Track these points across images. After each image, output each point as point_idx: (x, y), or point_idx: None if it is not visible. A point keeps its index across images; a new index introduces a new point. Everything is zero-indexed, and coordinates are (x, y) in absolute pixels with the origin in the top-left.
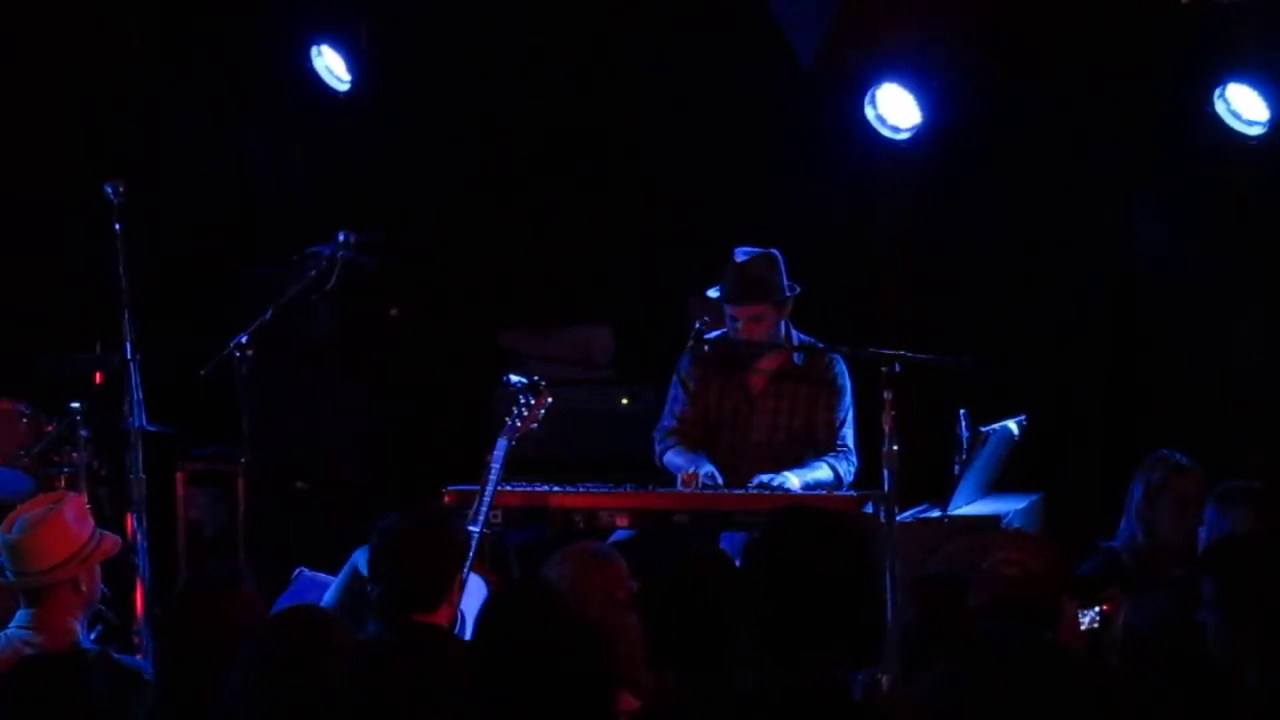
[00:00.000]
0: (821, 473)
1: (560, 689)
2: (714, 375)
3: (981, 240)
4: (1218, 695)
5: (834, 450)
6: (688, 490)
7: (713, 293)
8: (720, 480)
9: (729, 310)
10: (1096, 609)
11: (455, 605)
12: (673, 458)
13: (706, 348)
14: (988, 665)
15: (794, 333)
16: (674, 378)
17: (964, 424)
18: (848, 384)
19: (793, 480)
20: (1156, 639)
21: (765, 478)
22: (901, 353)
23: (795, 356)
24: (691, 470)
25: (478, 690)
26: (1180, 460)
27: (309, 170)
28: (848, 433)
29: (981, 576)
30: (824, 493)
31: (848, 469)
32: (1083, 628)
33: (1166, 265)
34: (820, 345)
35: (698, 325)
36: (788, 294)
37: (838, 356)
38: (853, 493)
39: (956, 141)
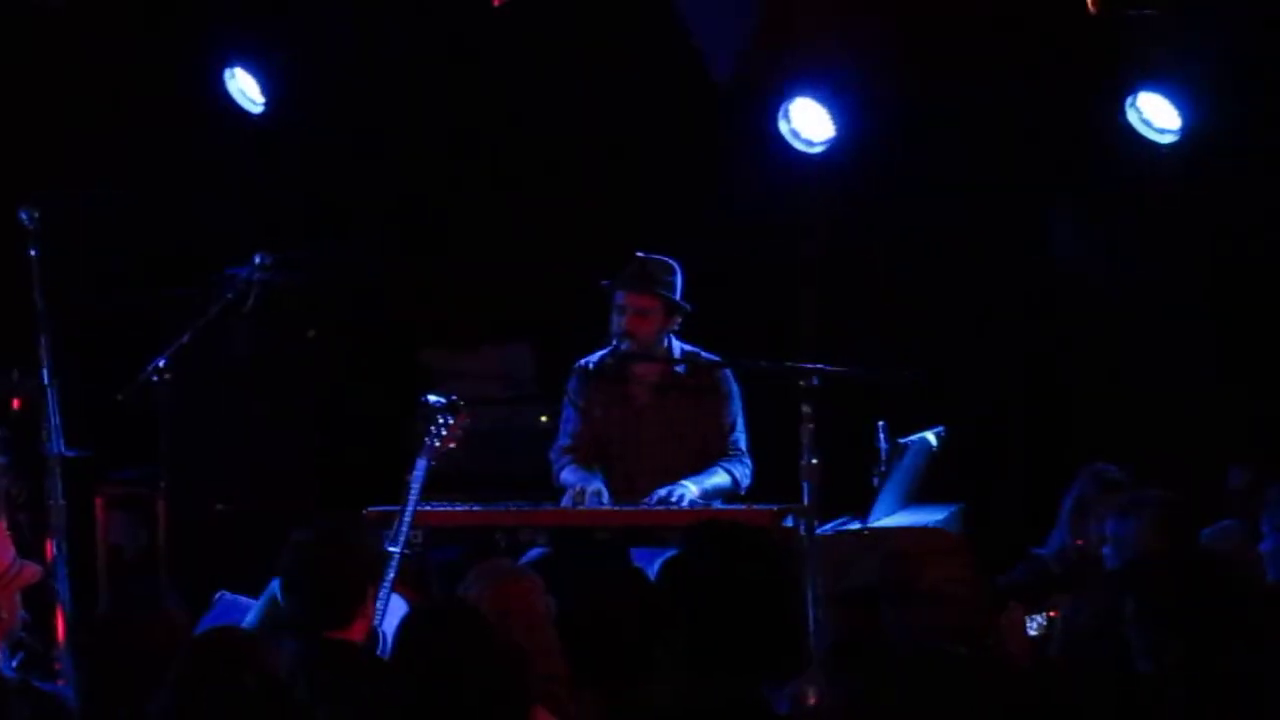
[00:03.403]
0: (718, 478)
1: (478, 706)
2: (599, 393)
3: (897, 253)
4: (1146, 699)
5: (727, 455)
6: (577, 508)
7: (607, 283)
8: (606, 497)
9: (619, 299)
10: (1043, 615)
11: (370, 621)
12: (567, 476)
13: (590, 366)
14: (918, 680)
15: (677, 344)
16: (564, 400)
17: (882, 436)
18: (734, 389)
19: (690, 489)
20: (1096, 636)
21: (663, 491)
22: (819, 366)
23: (678, 367)
24: (580, 488)
25: (394, 708)
26: (1112, 474)
27: (225, 192)
28: (740, 436)
29: (917, 597)
30: (722, 503)
31: (743, 472)
32: (1031, 634)
33: (1082, 274)
34: (704, 355)
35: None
36: (679, 300)
37: (721, 364)
38: (772, 506)
39: (871, 154)
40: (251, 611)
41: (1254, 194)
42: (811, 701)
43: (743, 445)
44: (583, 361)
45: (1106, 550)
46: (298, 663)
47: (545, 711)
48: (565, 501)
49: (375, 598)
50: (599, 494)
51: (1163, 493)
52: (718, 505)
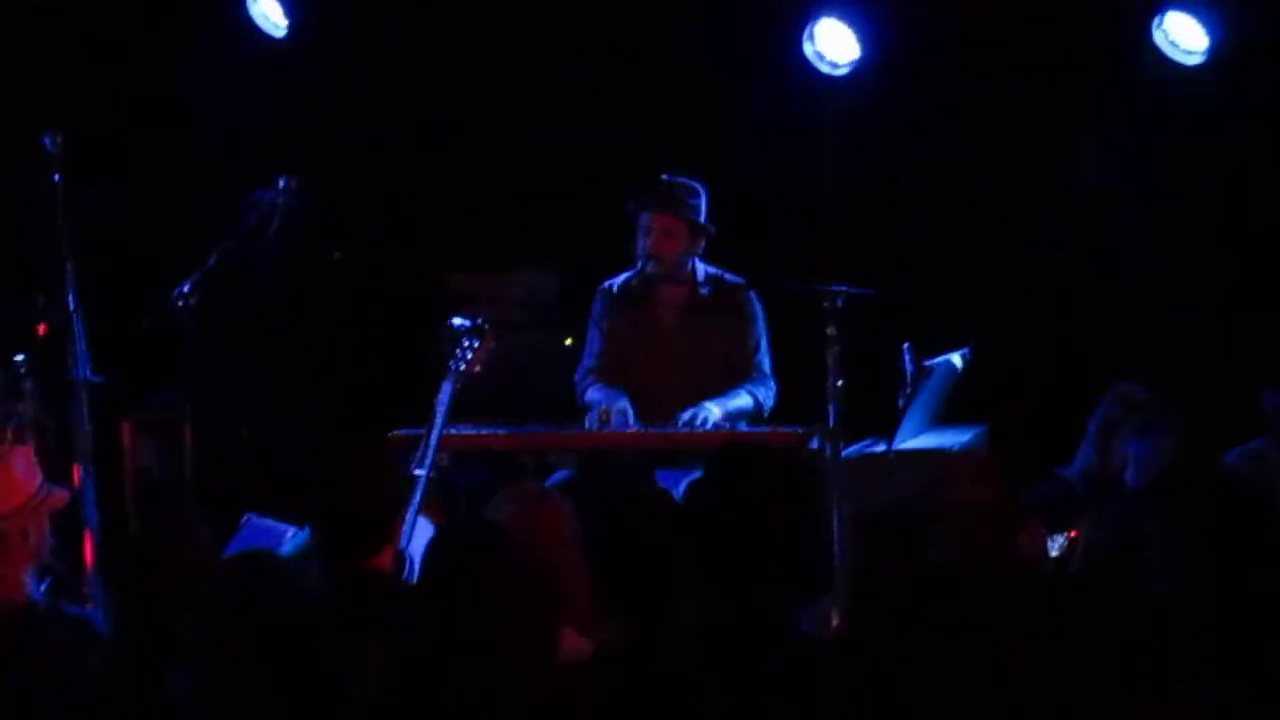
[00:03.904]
0: (742, 400)
1: (507, 628)
2: (624, 315)
3: (924, 174)
4: (1164, 618)
5: (751, 377)
6: (602, 428)
7: (631, 204)
8: (631, 417)
9: (643, 221)
10: (1064, 535)
11: (395, 546)
12: (592, 394)
13: (615, 288)
14: (943, 597)
15: (701, 265)
16: (589, 322)
17: (908, 358)
18: (758, 311)
19: (714, 411)
20: (1116, 554)
21: (687, 414)
22: (844, 288)
23: (703, 289)
24: (605, 406)
25: (423, 633)
26: (1139, 394)
27: (250, 116)
28: (763, 358)
29: (944, 516)
30: (747, 424)
31: (766, 394)
32: (1052, 554)
33: (1108, 196)
34: (728, 277)
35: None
36: (704, 222)
37: (746, 286)
38: (798, 428)
39: (895, 77)
40: (288, 543)
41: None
42: (835, 623)
43: (766, 367)
44: (607, 283)
45: (1128, 470)
46: (326, 591)
47: (573, 633)
48: (590, 419)
49: (400, 523)
50: (624, 413)
51: (1185, 412)
52: (743, 427)
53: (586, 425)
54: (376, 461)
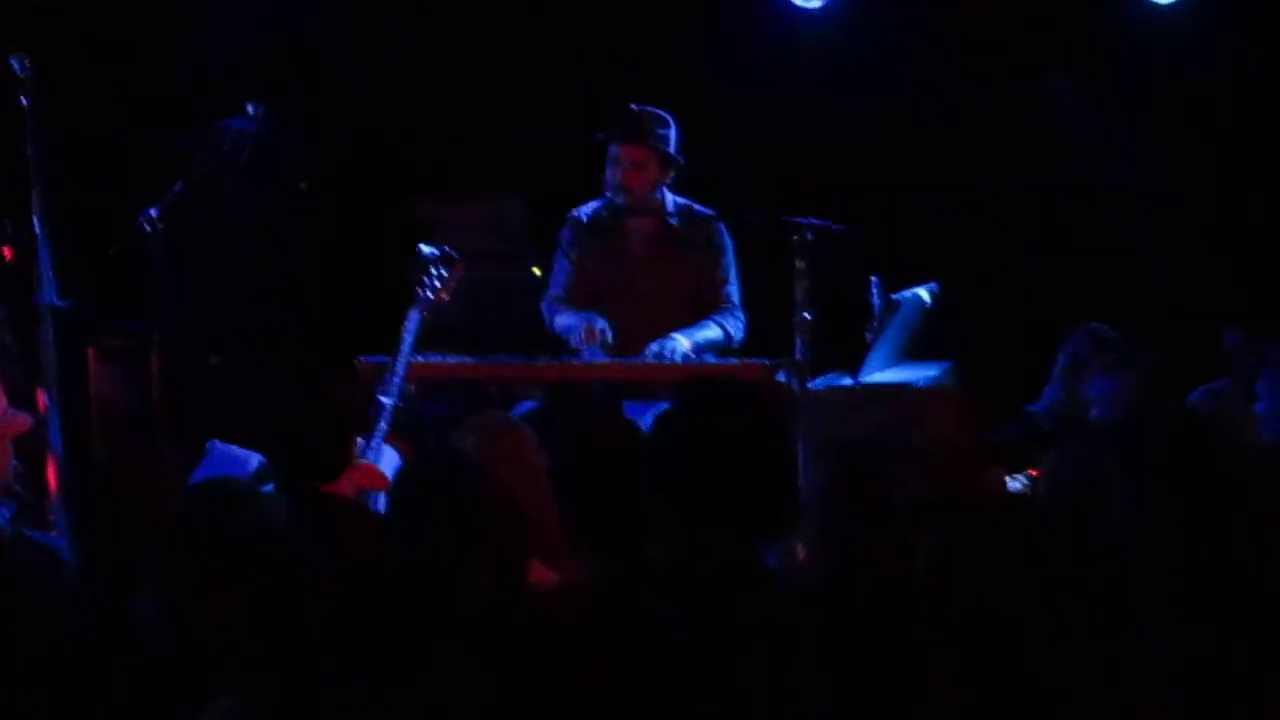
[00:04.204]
0: (710, 331)
1: (475, 557)
2: (592, 245)
3: (895, 109)
4: (1126, 554)
5: (719, 308)
6: (588, 345)
7: (601, 135)
8: (611, 334)
9: (613, 151)
10: (1024, 475)
11: (356, 472)
12: (563, 319)
13: (584, 218)
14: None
15: (671, 197)
16: (557, 251)
17: (876, 291)
18: (728, 243)
19: (682, 342)
20: (1078, 488)
21: (655, 346)
22: (812, 221)
23: (671, 220)
24: (587, 325)
25: (387, 560)
26: (1106, 332)
27: (220, 43)
28: (732, 289)
29: (912, 451)
30: (715, 356)
31: (736, 325)
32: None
33: (1079, 136)
34: (697, 209)
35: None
36: (674, 153)
37: (715, 217)
38: (765, 361)
39: (869, 10)
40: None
41: (1253, 57)
42: (801, 556)
43: (735, 298)
44: (576, 212)
45: (1094, 409)
46: (290, 518)
47: (540, 565)
48: (576, 341)
49: (358, 447)
50: (605, 332)
51: (1149, 351)
52: (710, 359)
53: (574, 346)
54: (326, 391)
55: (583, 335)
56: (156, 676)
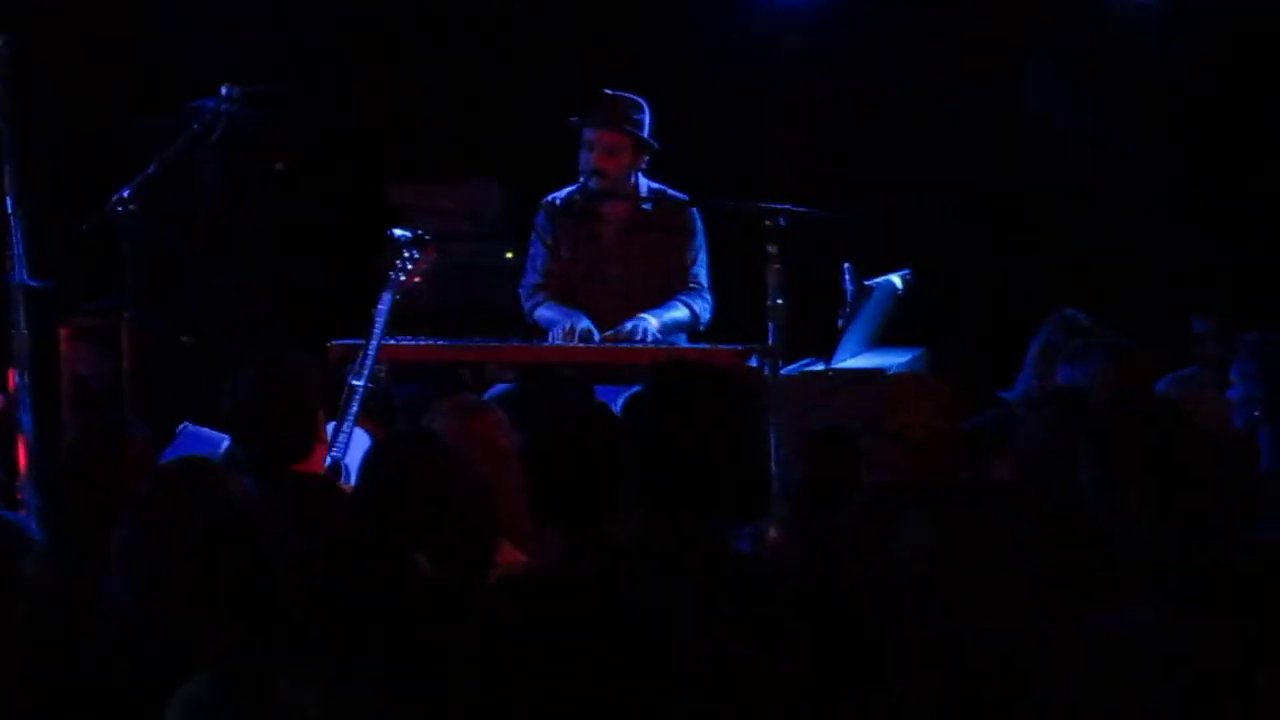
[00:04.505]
0: (678, 312)
1: (444, 537)
2: (567, 230)
3: (870, 95)
4: (1100, 541)
5: (688, 289)
6: (569, 344)
7: (575, 119)
8: (597, 336)
9: (587, 136)
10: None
11: (325, 450)
12: (545, 312)
13: (558, 202)
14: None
15: (645, 182)
16: (532, 236)
17: (848, 278)
18: (699, 227)
19: (651, 322)
20: (1047, 457)
21: (626, 326)
22: (785, 206)
23: (645, 205)
24: (569, 325)
25: (358, 540)
26: (1080, 319)
27: (193, 23)
28: (700, 271)
29: (886, 436)
30: (686, 340)
31: (703, 306)
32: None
33: (1056, 125)
34: (671, 193)
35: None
36: (648, 138)
37: (688, 202)
38: (737, 346)
39: None
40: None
41: (1231, 50)
42: (773, 540)
43: (703, 280)
44: (550, 197)
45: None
46: (263, 497)
47: (510, 547)
48: (555, 338)
49: (326, 426)
50: (589, 333)
51: (1116, 338)
52: (682, 344)
53: (550, 343)
54: (291, 371)
55: (562, 335)
56: (127, 655)
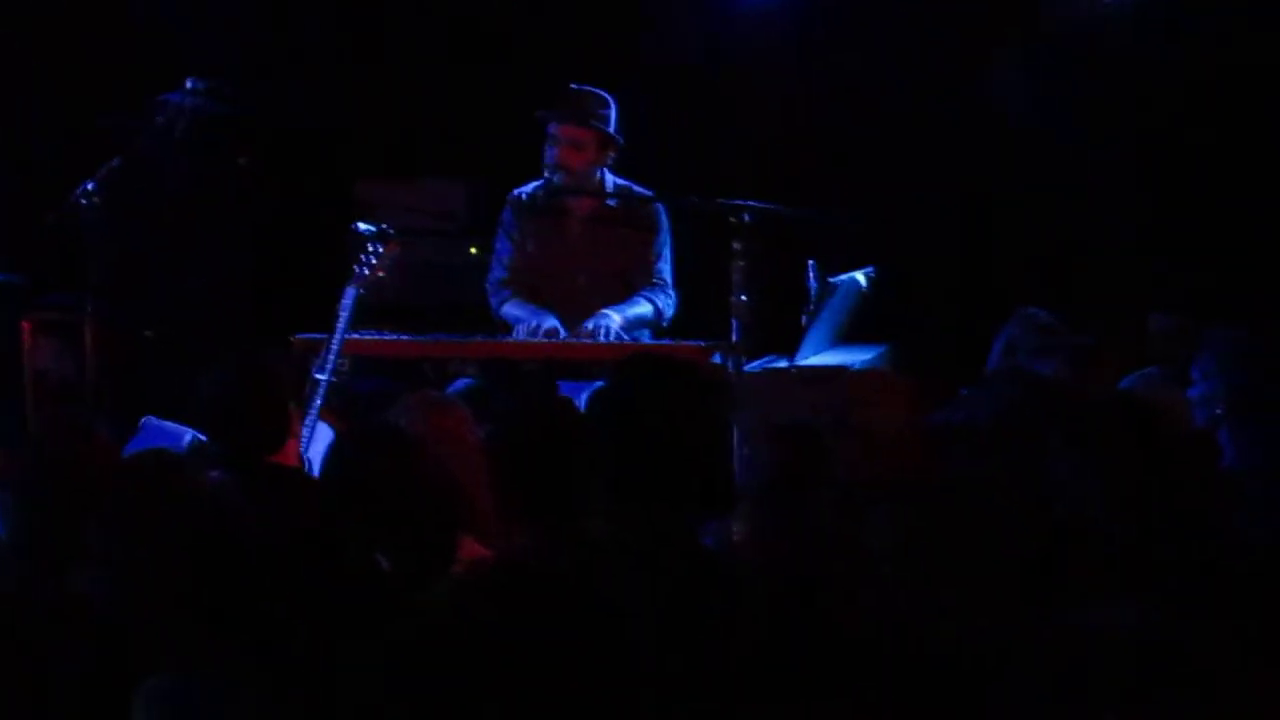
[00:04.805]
0: (641, 308)
1: (406, 530)
2: (532, 225)
3: (835, 91)
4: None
5: (651, 285)
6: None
7: (540, 114)
8: (564, 334)
9: (552, 130)
10: None
11: (298, 441)
12: (512, 309)
13: (524, 197)
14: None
15: (610, 177)
16: (498, 231)
17: (812, 275)
18: (664, 223)
19: (614, 318)
20: (998, 435)
21: (589, 323)
22: (750, 203)
23: (610, 201)
24: (535, 324)
25: (320, 534)
26: (1043, 317)
27: (159, 16)
28: (664, 267)
29: (851, 433)
30: (650, 335)
31: (666, 302)
32: None
33: (1021, 120)
34: (637, 190)
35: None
36: (613, 132)
37: (653, 199)
38: (701, 343)
39: None
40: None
41: (1200, 45)
42: (738, 536)
43: (666, 276)
44: (517, 192)
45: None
46: (236, 490)
47: (474, 542)
48: (519, 335)
49: (300, 419)
50: (555, 332)
51: (1076, 337)
52: (646, 339)
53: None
54: (262, 363)
55: (526, 334)
56: (94, 651)
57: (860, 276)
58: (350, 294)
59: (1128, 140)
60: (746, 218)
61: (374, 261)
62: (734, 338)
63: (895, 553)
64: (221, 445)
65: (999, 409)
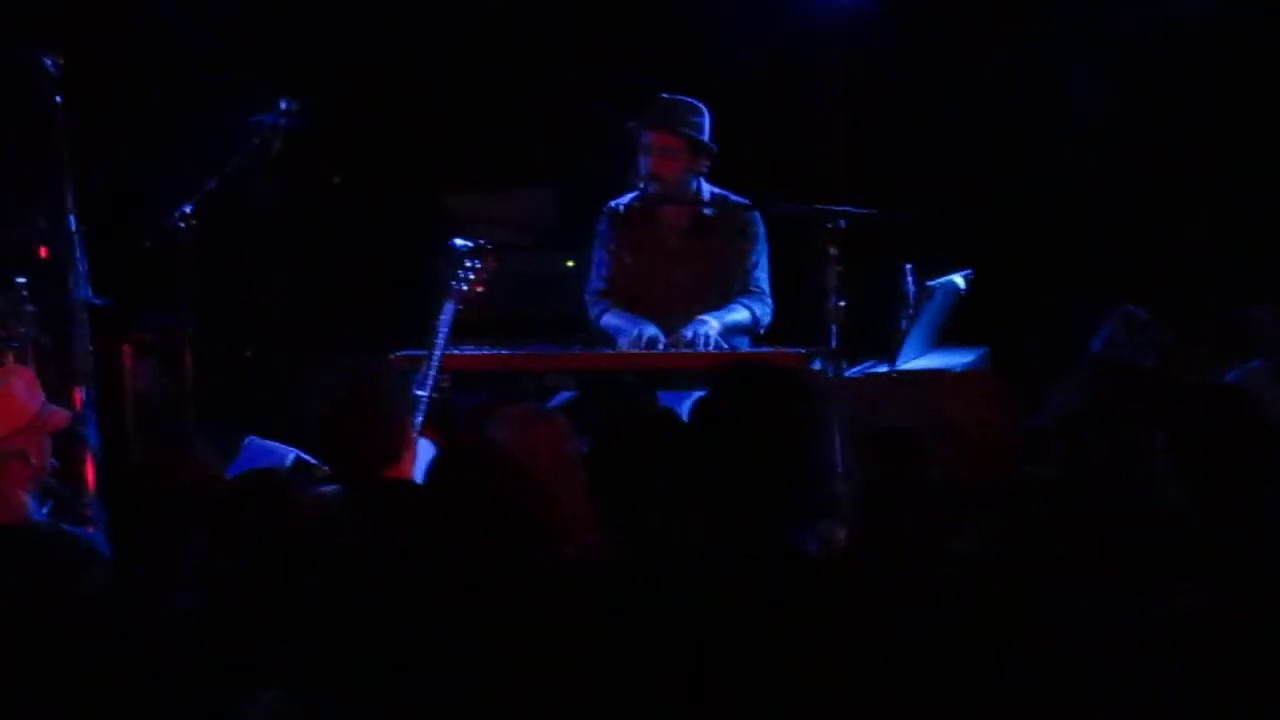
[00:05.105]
0: (738, 314)
1: (507, 541)
2: (628, 235)
3: (925, 95)
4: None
5: (748, 293)
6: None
7: (631, 123)
8: (664, 343)
9: (644, 139)
10: None
11: (414, 455)
12: (611, 319)
13: (620, 208)
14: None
15: (706, 186)
16: (595, 242)
17: (910, 279)
18: (761, 231)
19: (712, 324)
20: (1086, 422)
21: (687, 332)
22: (846, 208)
23: (706, 210)
24: (636, 333)
25: (424, 549)
26: (1140, 316)
27: (249, 37)
28: (761, 275)
29: (949, 436)
30: (749, 344)
31: (763, 310)
32: None
33: (1107, 121)
34: (733, 198)
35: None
36: (706, 140)
37: (749, 206)
38: (800, 349)
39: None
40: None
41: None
42: (841, 540)
43: (764, 284)
44: (613, 203)
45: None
46: (350, 506)
47: (574, 554)
48: (622, 346)
49: (413, 431)
50: (655, 340)
51: (1176, 335)
52: (744, 346)
53: (618, 348)
54: (375, 376)
55: (629, 343)
56: (194, 670)
57: (958, 279)
58: (449, 309)
59: (1223, 134)
60: (842, 223)
61: (471, 276)
62: (832, 343)
63: (991, 553)
64: (335, 461)
65: (1088, 399)
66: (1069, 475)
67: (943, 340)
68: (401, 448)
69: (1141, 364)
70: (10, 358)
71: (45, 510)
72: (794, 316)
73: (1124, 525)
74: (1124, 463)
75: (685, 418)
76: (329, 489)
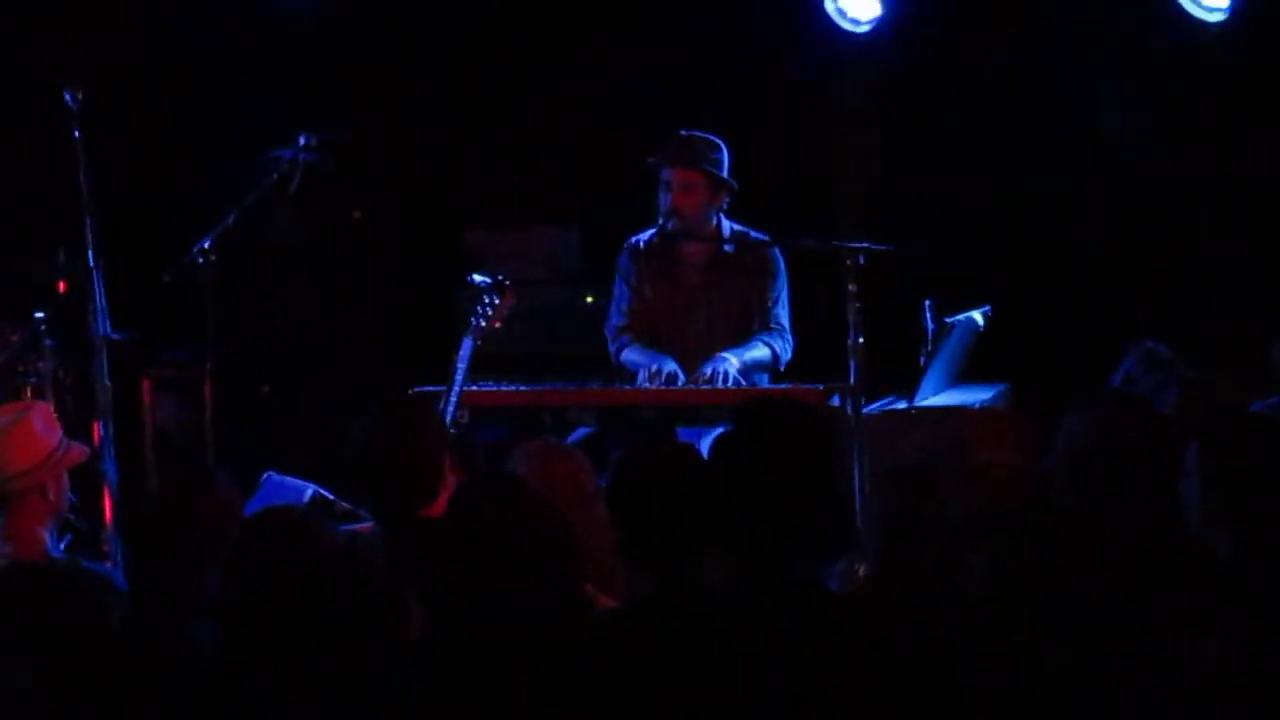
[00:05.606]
0: (758, 351)
1: (528, 578)
2: (649, 271)
3: (943, 131)
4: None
5: (768, 329)
6: (652, 386)
7: (652, 160)
8: (682, 379)
9: (664, 176)
10: None
11: (450, 493)
12: (631, 355)
13: (641, 244)
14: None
15: (726, 223)
16: (616, 277)
17: (929, 315)
18: (781, 268)
19: (732, 361)
20: (1098, 455)
21: (707, 368)
22: (865, 245)
23: (726, 246)
24: (655, 368)
25: (445, 586)
26: (1161, 352)
27: (267, 72)
28: (781, 312)
29: (966, 473)
30: (768, 380)
31: (784, 346)
32: None
33: (1127, 153)
34: (753, 234)
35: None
36: (725, 176)
37: (769, 243)
38: (819, 385)
39: (918, 33)
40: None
41: None
42: (862, 576)
43: (784, 321)
44: (634, 239)
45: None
46: (387, 545)
47: (594, 591)
48: (641, 381)
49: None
50: (675, 376)
51: (1196, 372)
52: (763, 382)
53: (638, 384)
54: (413, 413)
55: (648, 378)
56: (215, 706)
57: (977, 315)
58: (467, 345)
59: (1244, 170)
60: (861, 259)
61: (490, 312)
62: (852, 379)
63: (1002, 587)
64: (371, 499)
65: (1101, 436)
66: (1081, 510)
67: (962, 377)
68: (436, 487)
69: (1158, 401)
70: (29, 392)
71: (63, 545)
72: (813, 352)
73: (1139, 560)
74: (1136, 498)
75: (705, 454)
76: (363, 527)
